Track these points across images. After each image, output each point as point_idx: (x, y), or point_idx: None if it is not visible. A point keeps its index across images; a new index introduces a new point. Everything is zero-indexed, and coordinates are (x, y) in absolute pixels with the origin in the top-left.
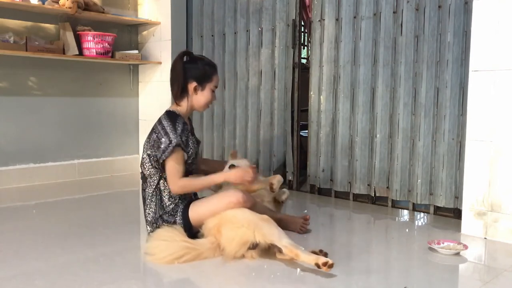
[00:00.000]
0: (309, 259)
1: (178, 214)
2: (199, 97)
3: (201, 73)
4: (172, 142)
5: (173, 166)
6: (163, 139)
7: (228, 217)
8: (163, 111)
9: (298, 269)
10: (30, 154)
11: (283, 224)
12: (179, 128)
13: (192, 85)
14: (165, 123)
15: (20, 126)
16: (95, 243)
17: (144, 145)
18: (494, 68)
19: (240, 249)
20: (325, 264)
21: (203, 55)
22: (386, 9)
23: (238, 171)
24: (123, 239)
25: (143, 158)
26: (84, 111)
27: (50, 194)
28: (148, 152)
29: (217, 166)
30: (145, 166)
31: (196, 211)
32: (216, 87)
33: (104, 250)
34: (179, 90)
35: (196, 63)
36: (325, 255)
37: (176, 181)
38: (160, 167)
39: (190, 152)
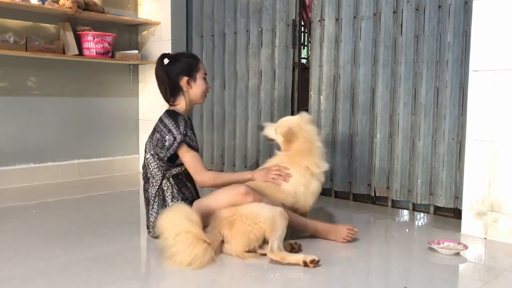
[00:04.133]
0: (297, 259)
1: None
2: (194, 89)
3: (187, 66)
4: (177, 138)
5: (192, 156)
6: (167, 136)
7: (245, 212)
8: (163, 111)
9: (298, 269)
10: (30, 154)
11: (322, 234)
12: (181, 125)
13: (183, 80)
14: (167, 121)
15: (20, 126)
16: (95, 243)
17: (146, 146)
18: (494, 68)
19: (248, 245)
20: (312, 261)
21: (183, 51)
22: (386, 9)
23: (263, 171)
24: (123, 239)
25: (146, 159)
26: (84, 111)
27: (50, 194)
28: (152, 152)
29: None
30: (149, 167)
31: (199, 205)
32: (206, 74)
33: (104, 250)
34: (169, 92)
35: (178, 60)
36: (299, 247)
37: (204, 171)
38: (166, 166)
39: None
